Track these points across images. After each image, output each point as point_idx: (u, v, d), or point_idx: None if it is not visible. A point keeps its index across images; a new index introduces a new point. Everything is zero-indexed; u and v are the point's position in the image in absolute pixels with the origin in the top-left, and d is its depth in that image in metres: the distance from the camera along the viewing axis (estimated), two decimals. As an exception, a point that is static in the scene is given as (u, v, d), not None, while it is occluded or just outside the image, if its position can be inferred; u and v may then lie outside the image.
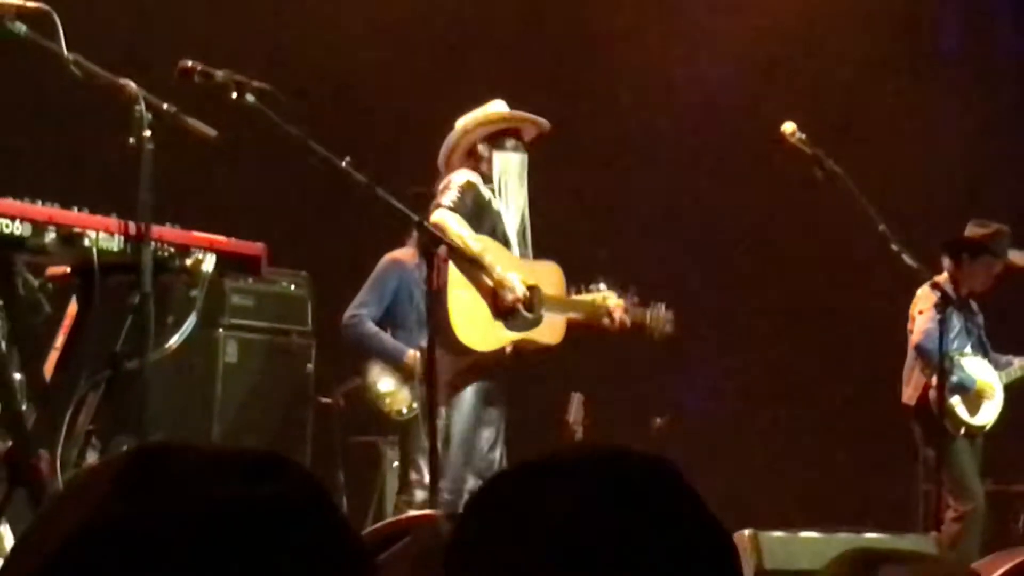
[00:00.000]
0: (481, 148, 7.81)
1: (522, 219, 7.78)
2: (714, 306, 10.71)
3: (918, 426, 8.99)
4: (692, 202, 10.84)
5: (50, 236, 4.96)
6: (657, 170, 10.82)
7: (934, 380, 8.57)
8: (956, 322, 8.79)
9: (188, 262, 5.35)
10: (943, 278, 8.63)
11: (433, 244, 6.54)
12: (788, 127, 7.48)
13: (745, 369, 10.75)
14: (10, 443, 5.45)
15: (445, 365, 7.30)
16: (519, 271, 7.50)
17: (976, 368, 9.07)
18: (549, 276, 7.82)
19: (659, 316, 8.25)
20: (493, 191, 7.67)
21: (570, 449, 1.62)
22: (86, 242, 5.06)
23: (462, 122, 7.88)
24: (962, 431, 8.92)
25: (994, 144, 11.20)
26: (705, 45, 10.92)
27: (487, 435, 7.72)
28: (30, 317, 6.43)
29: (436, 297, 7.47)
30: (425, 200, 7.76)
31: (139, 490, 1.26)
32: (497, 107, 7.94)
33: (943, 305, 8.06)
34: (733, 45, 10.86)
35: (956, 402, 8.86)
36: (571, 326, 7.90)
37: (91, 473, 1.32)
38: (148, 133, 5.19)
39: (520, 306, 7.49)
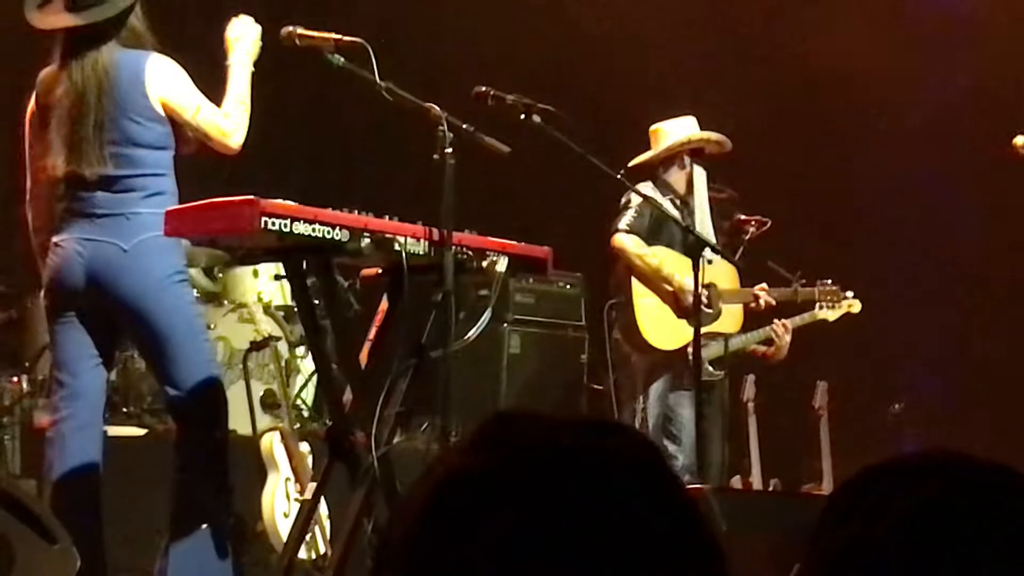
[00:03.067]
0: (685, 160, 7.93)
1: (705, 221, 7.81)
2: (952, 295, 10.44)
3: None
4: (921, 200, 10.57)
5: (365, 241, 5.01)
6: (890, 174, 10.57)
7: None
8: None
9: (484, 263, 5.37)
10: None
11: (699, 248, 6.52)
12: (1020, 140, 7.30)
13: (981, 355, 10.45)
14: (330, 423, 5.54)
15: (638, 361, 7.86)
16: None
17: None
18: (724, 272, 7.87)
19: (827, 290, 8.29)
20: (672, 200, 7.63)
21: (921, 454, 1.55)
22: (396, 246, 5.11)
23: (677, 137, 7.93)
24: None
25: None
26: (934, 60, 10.64)
27: (687, 414, 7.79)
28: (345, 313, 6.55)
29: (623, 307, 7.66)
30: (722, 204, 7.93)
31: (497, 443, 1.30)
32: (695, 124, 8.01)
33: None
34: (961, 60, 10.57)
35: None
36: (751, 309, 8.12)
37: (457, 441, 1.37)
38: (450, 150, 5.23)
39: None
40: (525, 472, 1.26)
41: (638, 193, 7.21)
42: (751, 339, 8.24)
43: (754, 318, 8.21)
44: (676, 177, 7.92)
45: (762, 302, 8.06)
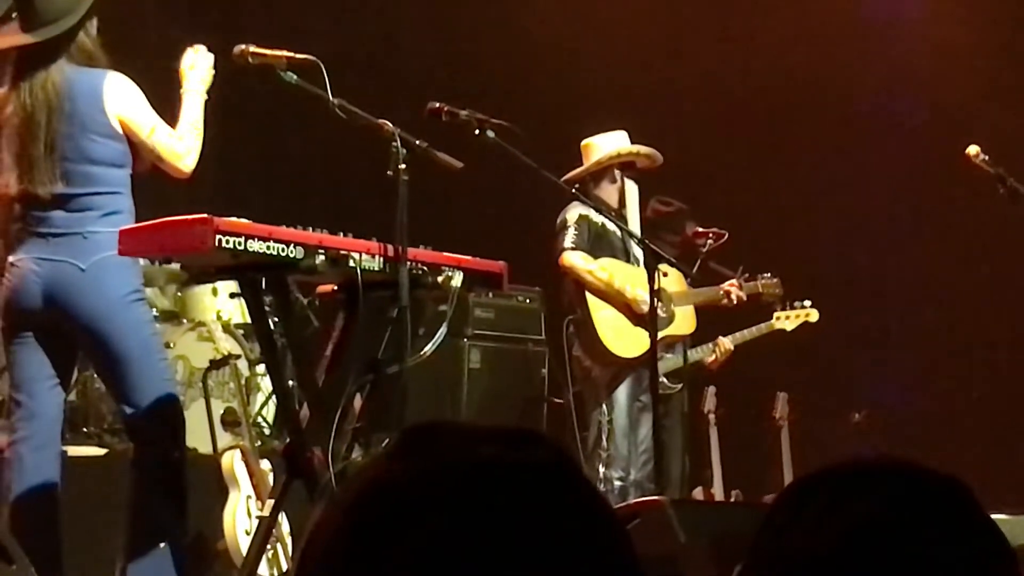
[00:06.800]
0: (616, 174, 7.99)
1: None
2: (911, 305, 10.49)
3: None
4: (880, 208, 10.61)
5: (320, 258, 5.03)
6: (847, 183, 10.61)
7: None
8: None
9: (439, 279, 5.39)
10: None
11: (655, 260, 6.55)
12: (972, 149, 7.35)
13: (941, 365, 10.48)
14: (288, 440, 5.55)
15: (599, 374, 7.93)
16: (643, 281, 7.46)
17: None
18: (671, 277, 7.85)
19: (769, 283, 8.40)
20: (604, 215, 7.65)
21: (869, 459, 1.53)
22: (351, 263, 5.12)
23: (606, 151, 8.01)
24: None
25: None
26: (892, 68, 10.69)
27: (645, 430, 7.85)
28: (302, 330, 6.56)
29: (582, 322, 7.71)
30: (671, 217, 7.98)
31: (414, 454, 1.30)
32: (625, 138, 8.07)
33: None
34: (914, 67, 10.62)
35: None
36: (702, 310, 8.21)
37: (378, 452, 1.37)
38: (403, 166, 5.25)
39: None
40: (445, 483, 1.27)
41: (586, 204, 7.25)
42: (705, 351, 8.34)
43: (713, 321, 8.31)
44: (608, 191, 7.97)
45: (734, 297, 8.15)
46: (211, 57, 5.75)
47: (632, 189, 8.00)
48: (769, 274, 8.39)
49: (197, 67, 5.72)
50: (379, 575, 1.24)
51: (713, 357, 8.40)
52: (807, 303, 8.45)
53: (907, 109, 10.48)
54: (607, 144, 8.03)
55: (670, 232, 8.53)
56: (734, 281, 8.24)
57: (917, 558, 1.42)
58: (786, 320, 8.38)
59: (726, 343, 8.37)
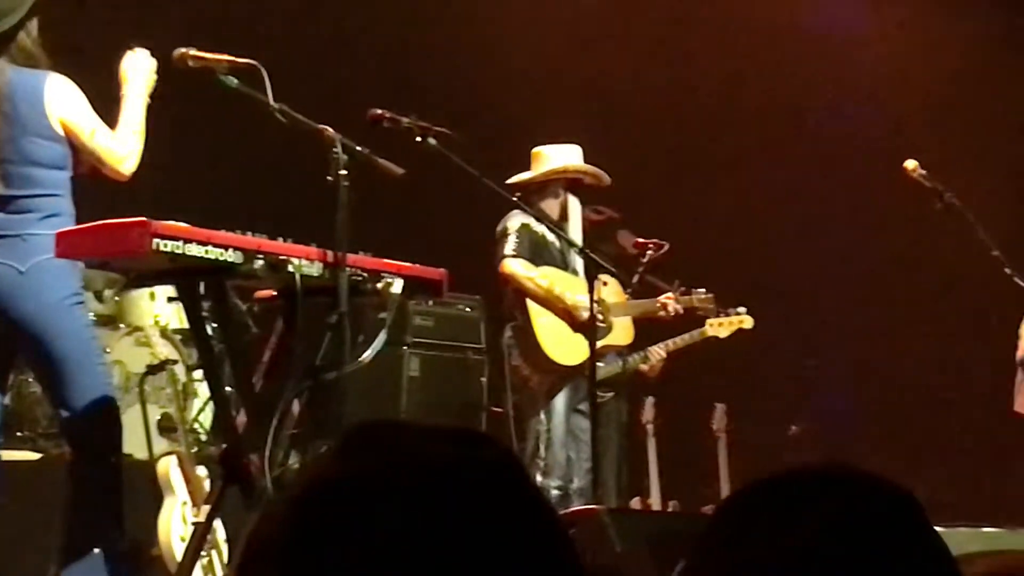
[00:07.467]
0: (559, 189, 8.02)
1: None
2: (849, 317, 10.56)
3: (1031, 431, 8.84)
4: (817, 219, 10.68)
5: (259, 263, 5.00)
6: (786, 198, 10.67)
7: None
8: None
9: (379, 285, 5.39)
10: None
11: (596, 270, 6.56)
12: (910, 164, 7.40)
13: (879, 376, 10.56)
14: (224, 446, 5.52)
15: (538, 383, 7.96)
16: (583, 290, 7.50)
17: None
18: (609, 286, 7.90)
19: (703, 298, 8.41)
20: (545, 226, 7.69)
21: (822, 467, 1.52)
22: (290, 268, 5.10)
23: (554, 164, 8.03)
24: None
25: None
26: (844, 84, 10.76)
27: (585, 438, 7.88)
28: (240, 335, 6.52)
29: (522, 329, 7.72)
30: (600, 225, 8.00)
31: (359, 451, 1.30)
32: (576, 154, 8.09)
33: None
34: (860, 84, 10.70)
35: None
36: (639, 321, 8.24)
37: (323, 451, 1.36)
38: (344, 172, 5.23)
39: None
40: (392, 480, 1.26)
41: (527, 212, 7.27)
42: (637, 360, 8.37)
43: (649, 333, 8.32)
44: (550, 204, 7.99)
45: (671, 309, 8.17)
46: (153, 61, 5.72)
47: (575, 205, 8.02)
48: (704, 290, 8.42)
49: (139, 71, 5.69)
50: (324, 571, 1.24)
51: (648, 365, 8.43)
52: (741, 309, 8.45)
53: (847, 123, 10.55)
54: (557, 157, 8.04)
55: (602, 240, 8.54)
56: (671, 294, 8.26)
57: (864, 569, 1.41)
58: (719, 327, 8.39)
59: (658, 351, 8.40)
